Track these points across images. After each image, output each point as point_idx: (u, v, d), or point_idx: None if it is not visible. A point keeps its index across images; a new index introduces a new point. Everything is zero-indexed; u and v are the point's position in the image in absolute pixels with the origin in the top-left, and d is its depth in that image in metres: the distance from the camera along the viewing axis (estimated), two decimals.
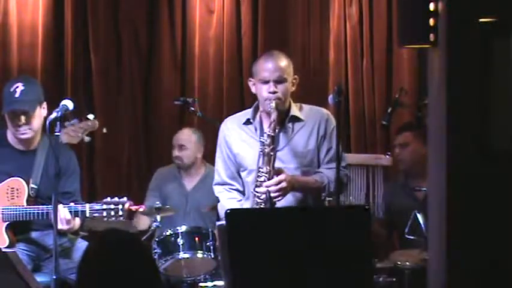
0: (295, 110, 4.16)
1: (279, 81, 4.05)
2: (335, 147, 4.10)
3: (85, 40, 6.15)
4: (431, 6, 3.24)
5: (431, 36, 3.26)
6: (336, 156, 3.95)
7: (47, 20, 6.07)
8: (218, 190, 4.29)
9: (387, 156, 5.24)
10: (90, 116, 4.26)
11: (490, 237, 3.17)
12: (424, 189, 4.69)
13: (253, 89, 4.16)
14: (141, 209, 4.38)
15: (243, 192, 4.22)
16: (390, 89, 6.11)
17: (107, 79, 6.19)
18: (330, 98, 4.01)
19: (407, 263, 4.44)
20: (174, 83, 6.26)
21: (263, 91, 4.06)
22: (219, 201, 4.30)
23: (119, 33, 6.22)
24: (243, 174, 4.21)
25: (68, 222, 4.17)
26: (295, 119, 4.15)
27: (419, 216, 4.42)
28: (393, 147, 5.31)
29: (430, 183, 3.51)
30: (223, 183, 4.26)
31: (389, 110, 5.19)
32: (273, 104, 4.01)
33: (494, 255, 3.16)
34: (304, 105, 4.22)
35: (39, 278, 4.02)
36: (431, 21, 3.24)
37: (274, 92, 4.03)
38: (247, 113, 4.23)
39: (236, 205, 4.13)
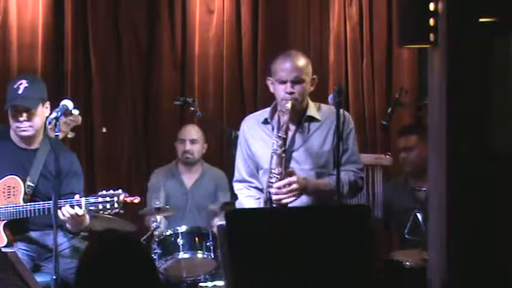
0: (312, 110, 4.13)
1: (296, 81, 4.03)
2: (352, 148, 4.08)
3: (85, 40, 6.15)
4: (431, 6, 3.24)
5: (431, 36, 3.25)
6: (336, 156, 3.92)
7: (47, 20, 6.06)
8: (238, 187, 4.29)
9: (387, 156, 5.23)
10: (75, 111, 4.25)
11: (490, 237, 3.17)
12: (424, 189, 4.68)
13: (271, 88, 4.14)
14: (136, 201, 4.35)
15: (262, 190, 4.20)
16: (390, 89, 6.11)
17: (107, 79, 6.19)
18: (330, 98, 3.99)
19: (407, 263, 4.44)
20: (174, 83, 6.25)
21: (280, 91, 4.04)
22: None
23: (119, 33, 6.21)
24: (259, 173, 4.20)
25: (72, 217, 4.13)
26: (312, 119, 4.13)
27: (420, 216, 4.42)
28: (398, 151, 5.25)
29: (430, 183, 3.51)
30: (243, 181, 4.26)
31: (389, 110, 5.19)
32: (289, 105, 3.99)
33: (495, 255, 3.16)
34: (323, 105, 4.19)
35: (39, 278, 4.01)
36: (431, 21, 3.24)
37: (291, 93, 4.02)
38: (265, 112, 4.22)
39: (254, 203, 4.12)
